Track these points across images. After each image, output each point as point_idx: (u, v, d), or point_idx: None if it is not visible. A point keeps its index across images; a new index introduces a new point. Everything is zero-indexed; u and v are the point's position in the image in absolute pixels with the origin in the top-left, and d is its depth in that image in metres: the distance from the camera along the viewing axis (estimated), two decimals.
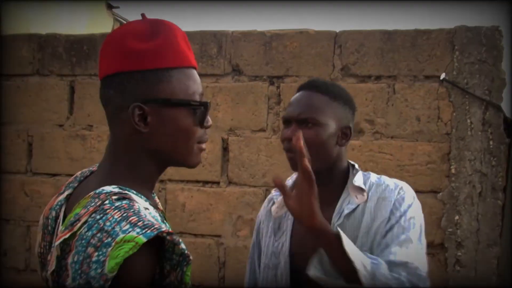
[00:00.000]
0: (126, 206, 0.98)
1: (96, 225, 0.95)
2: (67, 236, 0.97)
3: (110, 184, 1.03)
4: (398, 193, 1.53)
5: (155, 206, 1.12)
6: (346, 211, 1.53)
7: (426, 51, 2.96)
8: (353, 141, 2.99)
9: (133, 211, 0.97)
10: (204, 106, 1.12)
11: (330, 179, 1.59)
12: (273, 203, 1.70)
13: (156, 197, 1.22)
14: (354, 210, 1.53)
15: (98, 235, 0.93)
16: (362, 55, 3.05)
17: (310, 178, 1.33)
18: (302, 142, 1.31)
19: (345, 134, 1.57)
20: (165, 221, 1.12)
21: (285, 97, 3.13)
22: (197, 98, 1.11)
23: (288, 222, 1.62)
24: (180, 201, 3.30)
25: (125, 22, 10.53)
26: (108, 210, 0.96)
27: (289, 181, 1.72)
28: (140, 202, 1.02)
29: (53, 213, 1.11)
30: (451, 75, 2.91)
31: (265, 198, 2.95)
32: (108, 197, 0.99)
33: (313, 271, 1.41)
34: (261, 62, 3.21)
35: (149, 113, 1.06)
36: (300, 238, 1.59)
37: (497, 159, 2.83)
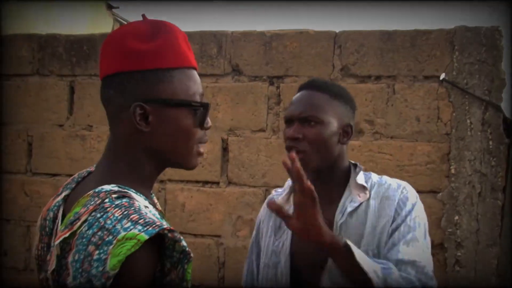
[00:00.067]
0: (126, 204, 0.98)
1: (96, 223, 0.95)
2: (67, 235, 0.97)
3: (109, 183, 1.04)
4: (402, 192, 1.55)
5: (154, 206, 1.13)
6: (349, 209, 1.54)
7: (426, 51, 2.96)
8: (353, 141, 2.99)
9: (133, 209, 0.97)
10: (204, 107, 1.12)
11: (332, 178, 1.60)
12: None
13: (154, 197, 1.22)
14: (356, 208, 1.54)
15: (99, 233, 0.93)
16: (362, 55, 3.05)
17: (312, 196, 1.31)
18: (299, 164, 1.30)
19: (346, 132, 1.59)
20: (163, 219, 1.13)
21: (285, 97, 3.13)
22: (198, 98, 1.11)
23: None
24: (180, 201, 3.30)
25: (125, 22, 10.52)
26: (108, 208, 0.96)
27: (290, 180, 1.73)
28: (140, 201, 1.02)
29: (51, 214, 1.11)
30: (450, 75, 2.92)
31: (265, 198, 2.96)
32: (108, 195, 0.99)
33: (326, 283, 1.42)
34: (261, 62, 3.21)
35: (150, 112, 1.07)
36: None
37: (497, 159, 2.83)
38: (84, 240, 0.94)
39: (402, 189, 1.55)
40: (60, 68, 3.54)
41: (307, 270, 1.57)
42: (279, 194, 1.71)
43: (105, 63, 1.10)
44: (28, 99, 3.57)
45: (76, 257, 0.94)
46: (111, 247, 0.92)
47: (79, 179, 1.16)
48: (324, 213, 1.57)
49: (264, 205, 1.77)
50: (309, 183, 1.31)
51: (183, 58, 1.10)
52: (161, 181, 3.30)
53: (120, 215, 0.95)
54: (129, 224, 0.94)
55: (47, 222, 1.11)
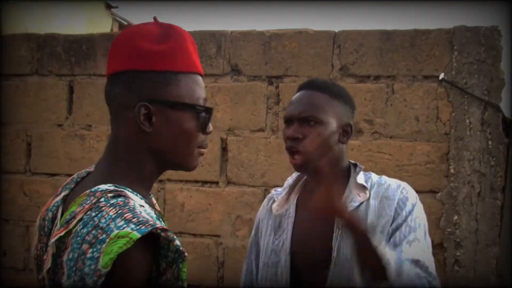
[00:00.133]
0: (121, 203, 0.98)
1: (91, 222, 0.95)
2: (62, 233, 0.97)
3: (107, 183, 1.04)
4: (401, 192, 1.55)
5: (152, 206, 1.13)
6: (349, 209, 1.54)
7: (425, 51, 2.96)
8: (352, 141, 2.99)
9: (128, 208, 0.98)
10: (208, 112, 1.13)
11: (332, 177, 1.60)
12: (274, 201, 1.70)
13: (153, 198, 1.22)
14: (357, 208, 1.54)
15: (93, 232, 0.94)
16: (361, 55, 3.05)
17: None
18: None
19: (346, 131, 1.59)
20: (161, 220, 1.13)
21: (284, 97, 3.13)
22: (202, 103, 1.13)
23: (289, 220, 1.63)
24: (179, 201, 3.30)
25: (124, 22, 10.52)
26: (103, 208, 0.97)
27: (289, 180, 1.73)
28: (136, 200, 1.03)
29: (50, 215, 1.11)
30: (450, 75, 2.92)
31: (264, 198, 2.95)
32: (104, 194, 1.00)
33: (330, 283, 1.44)
34: (260, 62, 3.21)
35: (154, 113, 1.07)
36: (301, 237, 1.59)
37: (496, 159, 2.83)
38: (78, 238, 0.95)
39: (401, 189, 1.56)
40: (59, 68, 3.54)
41: (307, 269, 1.57)
42: (278, 194, 1.72)
43: (113, 60, 1.11)
44: (27, 99, 3.57)
45: (71, 256, 0.94)
46: (104, 245, 0.92)
47: (78, 180, 1.17)
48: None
49: (263, 204, 1.77)
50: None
51: (191, 63, 1.12)
52: (160, 181, 3.30)
53: (114, 214, 0.96)
54: (122, 222, 0.95)
55: (46, 222, 1.11)
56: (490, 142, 2.84)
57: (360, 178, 1.59)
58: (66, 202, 1.11)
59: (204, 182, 3.28)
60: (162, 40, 1.09)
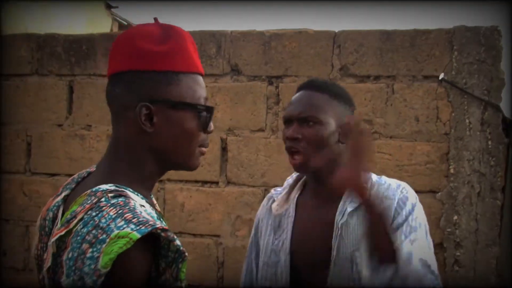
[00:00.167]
0: (121, 203, 0.98)
1: (91, 222, 0.95)
2: (63, 233, 0.98)
3: (107, 183, 1.04)
4: (401, 192, 1.55)
5: (153, 207, 1.13)
6: (349, 209, 1.54)
7: (425, 51, 2.96)
8: None
9: (128, 208, 0.98)
10: (209, 111, 1.14)
11: (332, 177, 1.60)
12: (273, 201, 1.70)
13: (153, 198, 1.23)
14: (356, 208, 1.54)
15: (94, 231, 0.94)
16: (361, 55, 3.05)
17: (367, 141, 1.36)
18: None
19: (345, 131, 1.58)
20: (161, 219, 1.13)
21: (284, 97, 3.13)
22: (203, 102, 1.13)
23: (289, 220, 1.63)
24: (179, 201, 3.30)
25: (124, 22, 10.52)
26: (104, 207, 0.97)
27: (289, 180, 1.73)
28: (136, 200, 1.03)
29: (50, 214, 1.12)
30: (450, 75, 2.92)
31: (264, 198, 2.95)
32: (104, 194, 1.00)
33: (330, 282, 1.45)
34: (260, 62, 3.21)
35: (155, 113, 1.08)
36: (301, 237, 1.59)
37: (496, 159, 2.83)
38: (78, 238, 0.95)
39: (401, 189, 1.56)
40: (59, 68, 3.54)
41: (307, 269, 1.57)
42: (278, 193, 1.72)
43: (114, 60, 1.11)
44: (27, 99, 3.57)
45: (70, 255, 0.94)
46: (104, 245, 0.92)
47: (79, 180, 1.17)
48: (325, 213, 1.58)
49: (263, 204, 1.77)
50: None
51: (191, 63, 1.12)
52: (160, 181, 3.30)
53: (114, 214, 0.96)
54: (122, 222, 0.95)
55: (47, 222, 1.11)
56: (490, 142, 2.84)
57: None
58: (67, 202, 1.11)
59: (204, 182, 3.28)
60: (163, 40, 1.09)
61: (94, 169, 1.17)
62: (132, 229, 0.94)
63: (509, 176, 2.86)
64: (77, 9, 9.02)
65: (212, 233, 3.24)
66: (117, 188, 1.02)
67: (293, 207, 1.64)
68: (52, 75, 3.55)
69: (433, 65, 2.94)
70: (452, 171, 2.88)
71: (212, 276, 3.21)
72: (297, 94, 1.62)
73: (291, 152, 1.56)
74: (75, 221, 0.97)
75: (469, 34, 2.89)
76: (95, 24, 9.10)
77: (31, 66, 3.59)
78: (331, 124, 1.55)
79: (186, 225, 3.27)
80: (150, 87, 1.08)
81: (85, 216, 0.97)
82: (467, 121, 2.88)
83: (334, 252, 1.51)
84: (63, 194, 1.14)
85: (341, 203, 1.56)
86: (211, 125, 1.16)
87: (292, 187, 1.70)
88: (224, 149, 3.25)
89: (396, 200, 1.53)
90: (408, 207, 1.52)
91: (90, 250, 0.93)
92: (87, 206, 0.98)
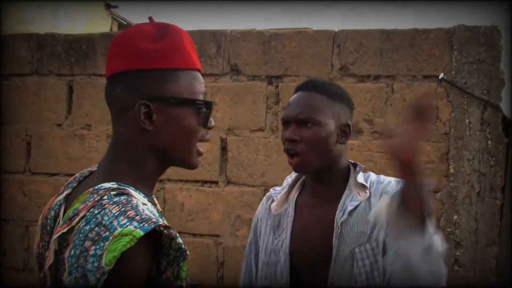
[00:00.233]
0: (124, 201, 0.99)
1: (94, 219, 0.96)
2: (65, 230, 0.98)
3: (109, 181, 1.04)
4: None
5: (154, 206, 1.13)
6: (349, 208, 1.54)
7: (425, 50, 2.96)
8: (352, 141, 2.99)
9: (131, 206, 0.98)
10: (208, 106, 1.14)
11: (331, 177, 1.60)
12: (272, 200, 1.70)
13: (154, 198, 1.23)
14: (356, 207, 1.54)
15: (96, 229, 0.94)
16: (361, 54, 3.05)
17: (428, 112, 1.34)
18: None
19: (344, 132, 1.59)
20: (163, 219, 1.13)
21: (284, 97, 3.13)
22: (201, 98, 1.13)
23: (288, 220, 1.63)
24: (179, 201, 3.30)
25: (123, 21, 10.52)
26: (106, 205, 0.97)
27: (288, 179, 1.73)
28: (139, 198, 1.03)
29: (52, 213, 1.12)
30: (449, 75, 2.92)
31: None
32: (107, 192, 1.00)
33: (331, 282, 1.45)
34: (259, 61, 3.21)
35: (154, 111, 1.08)
36: (301, 236, 1.59)
37: (496, 158, 2.83)
38: (81, 235, 0.95)
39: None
40: (59, 67, 3.54)
41: (307, 269, 1.57)
42: (277, 193, 1.72)
43: (113, 61, 1.12)
44: (27, 98, 3.57)
45: (72, 253, 0.95)
46: (107, 243, 0.93)
47: (81, 178, 1.17)
48: (324, 213, 1.58)
49: (262, 203, 1.77)
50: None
51: (189, 60, 1.13)
52: (160, 181, 3.30)
53: (117, 211, 0.96)
54: (125, 220, 0.95)
55: (48, 220, 1.12)
56: (489, 142, 2.84)
57: (360, 177, 1.59)
58: (68, 200, 1.12)
59: (204, 182, 3.28)
60: (158, 39, 1.09)
61: (96, 168, 1.17)
62: (135, 226, 0.94)
63: (509, 176, 2.86)
64: (77, 9, 9.02)
65: (212, 233, 3.24)
66: (119, 186, 1.03)
67: (292, 207, 1.64)
68: (52, 75, 3.55)
69: (433, 64, 2.94)
70: (452, 170, 2.88)
71: (212, 275, 3.21)
72: (295, 95, 1.62)
73: (290, 153, 1.56)
74: (77, 219, 0.97)
75: (469, 34, 2.89)
76: (95, 23, 9.10)
77: (31, 66, 3.59)
78: (330, 124, 1.55)
79: (186, 225, 3.27)
80: (149, 85, 1.08)
81: (88, 214, 0.97)
82: (467, 120, 2.88)
83: (334, 252, 1.52)
84: (65, 193, 1.14)
85: (341, 202, 1.57)
86: (212, 120, 1.16)
87: (291, 186, 1.70)
88: (223, 149, 3.25)
89: None
90: None
91: (93, 247, 0.93)
92: (90, 203, 0.99)
